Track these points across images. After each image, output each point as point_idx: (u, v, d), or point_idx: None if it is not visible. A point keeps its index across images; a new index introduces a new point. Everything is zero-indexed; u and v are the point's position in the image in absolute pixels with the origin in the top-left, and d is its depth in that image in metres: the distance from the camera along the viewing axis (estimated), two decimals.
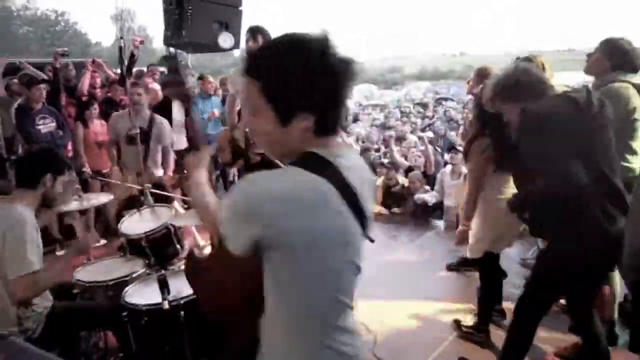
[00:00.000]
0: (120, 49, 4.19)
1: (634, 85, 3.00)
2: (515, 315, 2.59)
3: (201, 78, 6.78)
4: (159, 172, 4.71)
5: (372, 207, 1.33)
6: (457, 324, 3.53)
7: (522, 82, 2.38)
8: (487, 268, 3.30)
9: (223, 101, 6.63)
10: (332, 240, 1.17)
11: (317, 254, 1.16)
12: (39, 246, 2.45)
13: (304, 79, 1.13)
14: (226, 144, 3.32)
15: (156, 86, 6.36)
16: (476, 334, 3.39)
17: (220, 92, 6.90)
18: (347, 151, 1.28)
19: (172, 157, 4.96)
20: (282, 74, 1.14)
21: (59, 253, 4.90)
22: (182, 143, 5.94)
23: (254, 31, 3.67)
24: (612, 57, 3.03)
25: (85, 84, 5.94)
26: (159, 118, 4.83)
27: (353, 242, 1.23)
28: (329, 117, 1.19)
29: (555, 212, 2.30)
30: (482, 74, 3.46)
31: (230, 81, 4.62)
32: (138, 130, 4.30)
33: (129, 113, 4.47)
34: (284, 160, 1.26)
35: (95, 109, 5.65)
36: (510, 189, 2.95)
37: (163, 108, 5.81)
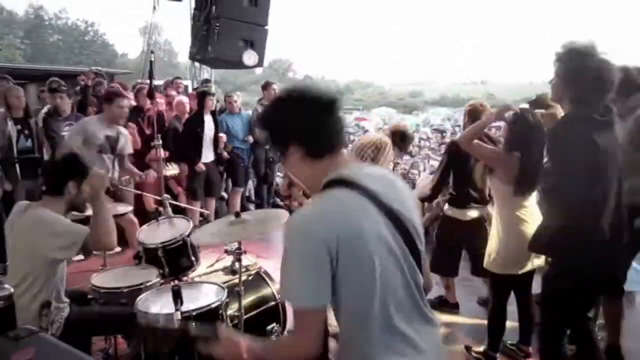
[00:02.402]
0: (151, 63, 4.31)
1: None
2: (540, 345, 2.59)
3: (228, 97, 6.97)
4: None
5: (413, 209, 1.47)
6: (467, 349, 3.49)
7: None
8: (500, 290, 3.21)
9: None
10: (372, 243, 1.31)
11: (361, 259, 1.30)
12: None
13: (284, 121, 1.42)
14: (285, 188, 3.97)
15: (184, 98, 6.52)
16: None
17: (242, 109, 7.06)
18: (357, 165, 1.48)
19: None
20: (272, 121, 1.48)
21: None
22: (209, 157, 6.12)
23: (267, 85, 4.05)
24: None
25: None
26: (122, 129, 4.85)
27: (393, 247, 1.36)
28: (313, 142, 1.41)
29: (564, 229, 2.31)
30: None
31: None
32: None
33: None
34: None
35: None
36: (528, 213, 2.98)
37: (195, 121, 6.02)
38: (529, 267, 3.07)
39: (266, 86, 7.02)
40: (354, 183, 1.36)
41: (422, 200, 4.09)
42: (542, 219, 2.69)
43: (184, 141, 6.00)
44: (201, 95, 6.19)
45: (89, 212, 3.30)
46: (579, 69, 2.25)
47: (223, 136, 6.14)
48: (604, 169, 2.26)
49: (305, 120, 1.39)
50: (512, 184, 2.91)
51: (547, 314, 2.55)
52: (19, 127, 5.00)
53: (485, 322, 3.35)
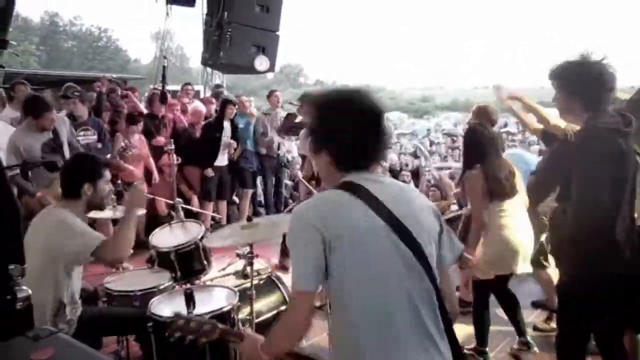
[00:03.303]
0: (164, 68, 4.35)
1: None
2: (559, 356, 2.56)
3: (237, 97, 7.19)
4: None
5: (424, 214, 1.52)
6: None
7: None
8: (479, 293, 3.37)
9: None
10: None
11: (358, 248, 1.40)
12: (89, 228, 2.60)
13: (326, 124, 1.52)
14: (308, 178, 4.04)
15: (200, 106, 6.63)
16: (476, 356, 3.38)
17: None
18: (373, 175, 1.53)
19: None
20: (315, 119, 1.56)
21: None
22: (223, 161, 6.35)
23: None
24: None
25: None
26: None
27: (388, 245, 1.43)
28: (346, 156, 1.50)
29: (578, 237, 2.30)
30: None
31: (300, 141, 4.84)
32: None
33: None
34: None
35: (140, 123, 5.83)
36: (509, 217, 3.13)
37: (215, 127, 6.25)
38: (507, 271, 3.23)
39: (270, 94, 7.26)
40: (354, 186, 1.45)
41: None
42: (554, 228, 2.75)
43: (200, 145, 6.14)
44: (223, 104, 6.44)
45: (110, 213, 3.36)
46: (581, 75, 2.30)
47: (233, 143, 6.26)
48: (625, 179, 2.26)
49: (343, 133, 1.47)
50: (486, 194, 3.10)
51: (564, 324, 2.54)
52: None
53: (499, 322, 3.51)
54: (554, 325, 3.70)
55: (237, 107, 6.56)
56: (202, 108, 6.62)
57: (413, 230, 1.44)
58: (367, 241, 1.40)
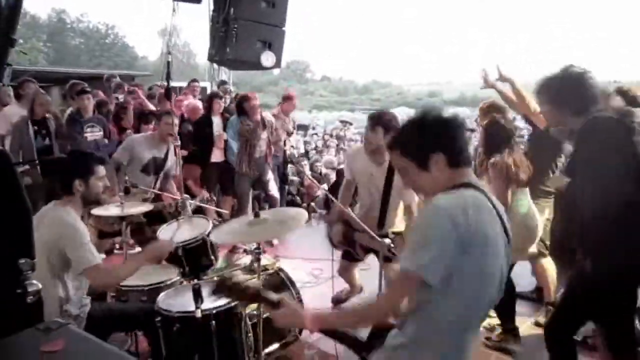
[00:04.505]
0: (168, 64, 4.35)
1: None
2: (549, 344, 2.54)
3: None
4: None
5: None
6: (487, 339, 3.52)
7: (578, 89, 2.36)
8: None
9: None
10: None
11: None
12: (91, 244, 2.58)
13: (425, 132, 1.61)
14: (340, 221, 3.50)
15: (198, 103, 6.62)
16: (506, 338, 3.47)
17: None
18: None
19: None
20: (411, 135, 1.65)
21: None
22: (220, 156, 6.23)
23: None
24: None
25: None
26: (171, 151, 4.80)
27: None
28: (454, 152, 1.59)
29: (603, 228, 2.27)
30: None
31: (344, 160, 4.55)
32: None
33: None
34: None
35: (151, 123, 5.84)
36: (521, 205, 3.29)
37: (204, 123, 6.13)
38: (523, 258, 3.44)
39: (287, 99, 6.93)
40: (478, 187, 1.59)
41: None
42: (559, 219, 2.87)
43: (193, 142, 6.16)
44: (209, 98, 6.39)
45: (117, 210, 3.37)
46: (565, 83, 2.37)
47: (223, 134, 6.21)
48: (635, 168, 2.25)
49: (452, 135, 1.61)
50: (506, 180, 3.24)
51: (566, 313, 2.52)
52: (35, 127, 5.13)
53: None
54: None
55: (223, 100, 6.48)
56: (199, 104, 6.58)
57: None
58: (493, 247, 1.52)
